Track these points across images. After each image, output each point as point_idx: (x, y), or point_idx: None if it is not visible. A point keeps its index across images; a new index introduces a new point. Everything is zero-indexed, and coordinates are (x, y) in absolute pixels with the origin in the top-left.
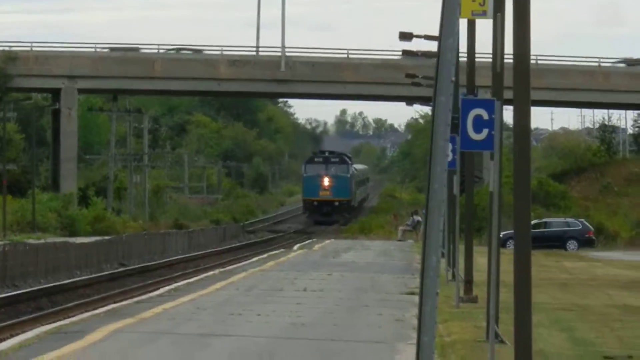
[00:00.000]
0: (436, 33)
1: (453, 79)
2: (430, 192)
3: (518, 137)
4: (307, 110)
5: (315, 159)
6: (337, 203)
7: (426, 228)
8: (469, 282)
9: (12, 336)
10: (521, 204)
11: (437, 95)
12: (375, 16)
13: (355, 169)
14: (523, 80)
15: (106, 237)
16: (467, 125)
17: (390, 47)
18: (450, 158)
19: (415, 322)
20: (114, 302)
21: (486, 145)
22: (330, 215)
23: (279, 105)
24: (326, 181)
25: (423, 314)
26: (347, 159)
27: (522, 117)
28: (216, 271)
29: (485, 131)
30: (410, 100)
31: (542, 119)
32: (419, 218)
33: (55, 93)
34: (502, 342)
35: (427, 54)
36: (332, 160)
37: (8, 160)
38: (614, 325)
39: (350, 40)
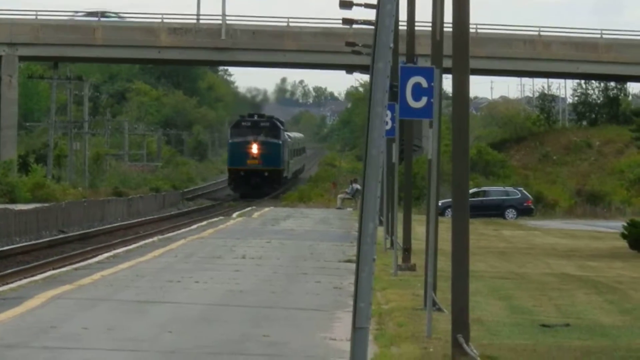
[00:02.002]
0: (375, 2)
1: (391, 45)
2: (367, 158)
3: (457, 105)
4: (247, 79)
5: (242, 123)
6: (266, 173)
7: (364, 195)
8: (407, 250)
9: None
10: (459, 172)
11: (375, 62)
12: None
13: (289, 136)
14: (462, 48)
15: (46, 204)
16: (406, 93)
17: (330, 15)
18: (389, 126)
19: (353, 289)
20: (53, 269)
21: (425, 114)
22: (259, 188)
23: (220, 73)
24: (254, 148)
25: (360, 280)
26: (279, 124)
27: (461, 85)
28: (155, 238)
29: (425, 99)
30: (350, 69)
31: (482, 87)
32: (358, 186)
33: None
34: (439, 310)
35: (367, 22)
36: (262, 124)
37: None
38: (552, 294)
39: (291, 8)
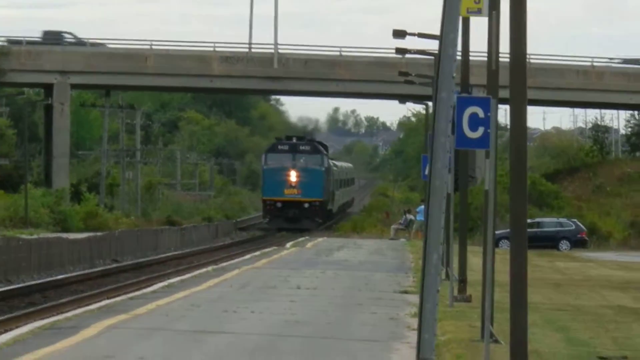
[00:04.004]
0: (429, 31)
1: (454, 75)
2: (431, 188)
3: (515, 136)
4: (299, 108)
5: (279, 147)
6: (307, 205)
7: (427, 225)
8: (462, 281)
9: (5, 331)
10: (518, 203)
11: (438, 92)
12: (366, 14)
13: (335, 164)
14: (519, 78)
15: (99, 233)
16: (462, 123)
17: (383, 45)
18: None
19: (409, 320)
20: (108, 298)
21: (482, 144)
22: (297, 221)
23: (272, 102)
24: (293, 176)
25: (424, 312)
26: (322, 148)
27: (519, 115)
28: (209, 268)
29: (481, 129)
30: (403, 99)
31: (535, 118)
32: (412, 217)
33: (48, 88)
34: (496, 341)
35: (420, 52)
36: (302, 148)
37: (0, 156)
38: (609, 326)
39: (343, 37)
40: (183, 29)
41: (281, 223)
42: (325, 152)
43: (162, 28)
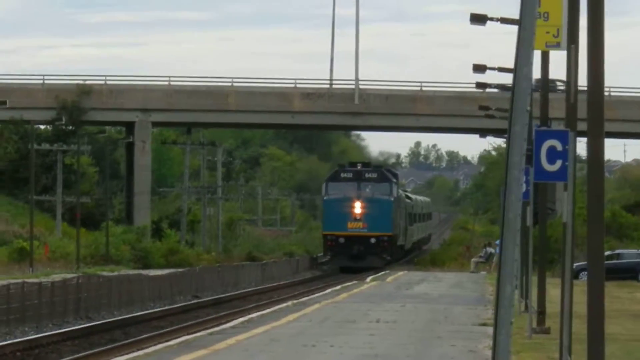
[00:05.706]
0: (509, 66)
1: (528, 108)
2: (505, 221)
3: (592, 169)
4: (380, 142)
5: (342, 175)
6: (373, 240)
7: (501, 257)
8: (541, 313)
9: None
10: (595, 236)
11: (511, 125)
12: (445, 49)
13: (409, 197)
14: (597, 111)
15: (180, 270)
16: (540, 156)
17: (462, 79)
18: (523, 189)
19: (488, 353)
20: (188, 334)
21: (560, 176)
22: (363, 258)
23: (352, 138)
24: (358, 207)
25: (497, 344)
26: (390, 176)
27: (596, 149)
28: (289, 303)
29: (559, 162)
30: (483, 133)
31: (615, 150)
32: (492, 250)
33: (129, 126)
34: None
35: (500, 86)
36: (368, 176)
37: (82, 193)
38: None
39: (423, 72)
40: (263, 67)
41: (344, 261)
42: (394, 180)
43: (243, 65)
